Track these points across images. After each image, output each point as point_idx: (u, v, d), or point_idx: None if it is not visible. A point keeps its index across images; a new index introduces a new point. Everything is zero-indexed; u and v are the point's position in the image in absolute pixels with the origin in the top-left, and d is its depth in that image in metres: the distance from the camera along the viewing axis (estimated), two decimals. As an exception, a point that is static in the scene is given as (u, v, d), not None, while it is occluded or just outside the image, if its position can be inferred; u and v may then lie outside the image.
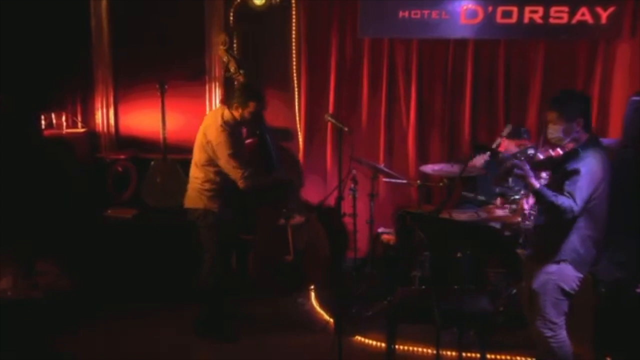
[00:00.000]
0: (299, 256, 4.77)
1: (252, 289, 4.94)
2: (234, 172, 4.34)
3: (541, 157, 3.48)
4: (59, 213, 5.40)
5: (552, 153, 3.44)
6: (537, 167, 3.54)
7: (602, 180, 3.36)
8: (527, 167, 3.38)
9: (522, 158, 3.43)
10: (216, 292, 4.53)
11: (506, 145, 5.03)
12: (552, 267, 3.45)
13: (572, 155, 3.38)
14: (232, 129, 4.40)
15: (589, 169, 3.31)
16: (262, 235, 4.85)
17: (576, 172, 3.31)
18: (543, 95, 5.55)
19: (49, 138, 5.78)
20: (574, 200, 3.28)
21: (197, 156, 4.48)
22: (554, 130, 3.44)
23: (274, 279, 4.84)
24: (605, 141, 3.95)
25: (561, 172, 3.40)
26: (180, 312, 4.74)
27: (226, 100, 4.62)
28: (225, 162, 4.34)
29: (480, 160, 4.97)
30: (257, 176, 4.45)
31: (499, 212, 4.69)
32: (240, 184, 4.35)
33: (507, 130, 3.68)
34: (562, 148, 3.43)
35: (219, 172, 4.41)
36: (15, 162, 5.25)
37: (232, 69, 4.98)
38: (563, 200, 3.29)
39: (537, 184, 3.37)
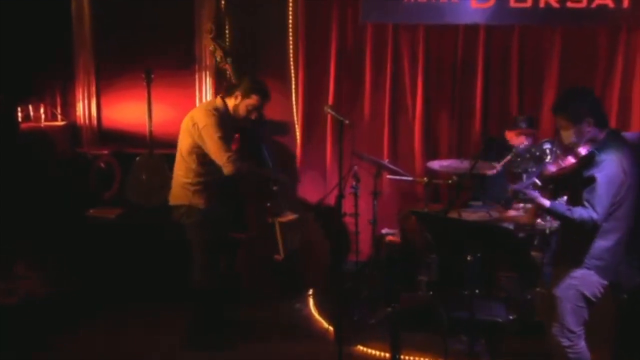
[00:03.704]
0: (292, 257, 4.76)
1: (249, 294, 4.98)
2: (220, 156, 4.30)
3: (552, 169, 3.52)
4: (39, 213, 5.39)
5: (562, 164, 3.47)
6: (550, 181, 3.56)
7: (623, 182, 3.36)
8: (530, 190, 3.47)
9: (538, 153, 3.43)
10: (211, 292, 4.53)
11: (515, 142, 5.02)
12: (576, 273, 3.46)
13: (587, 161, 3.39)
14: (220, 116, 4.39)
15: (606, 174, 3.32)
16: (251, 233, 4.87)
17: (593, 179, 3.32)
18: (560, 85, 5.53)
19: (26, 132, 5.76)
20: (594, 209, 3.30)
21: (182, 143, 4.47)
22: (567, 136, 3.49)
23: (266, 281, 4.84)
24: (627, 135, 3.94)
25: (579, 180, 3.40)
26: (180, 312, 4.77)
27: (229, 88, 4.62)
28: (211, 145, 4.30)
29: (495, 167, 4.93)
30: (243, 161, 4.42)
31: (512, 212, 4.68)
32: (225, 168, 4.31)
33: None
34: (574, 155, 3.45)
35: (202, 162, 4.39)
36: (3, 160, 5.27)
37: (218, 58, 5.05)
38: (580, 213, 3.33)
39: (546, 203, 3.45)
